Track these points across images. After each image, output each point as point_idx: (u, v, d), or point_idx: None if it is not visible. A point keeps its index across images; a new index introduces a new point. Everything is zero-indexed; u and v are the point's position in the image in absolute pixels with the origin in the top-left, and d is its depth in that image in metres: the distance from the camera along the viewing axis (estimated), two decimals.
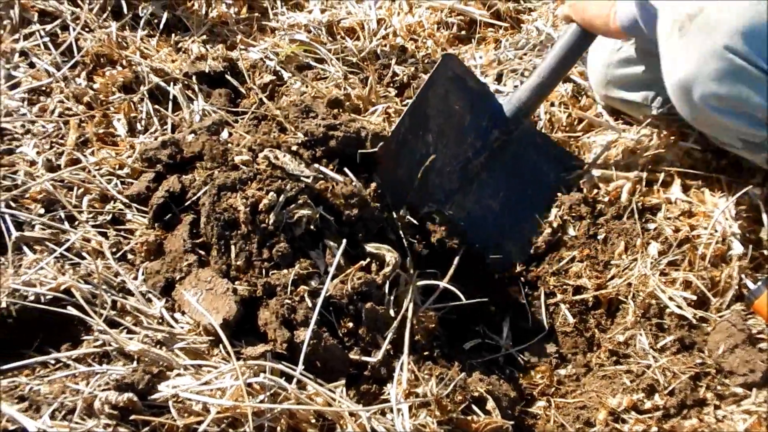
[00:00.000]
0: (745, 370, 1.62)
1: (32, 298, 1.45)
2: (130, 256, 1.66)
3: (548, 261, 1.87)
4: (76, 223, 1.68)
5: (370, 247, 1.63)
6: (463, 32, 2.49)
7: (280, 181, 1.63)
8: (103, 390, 1.29)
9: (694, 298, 1.73)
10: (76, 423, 1.25)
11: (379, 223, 1.69)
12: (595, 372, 1.68)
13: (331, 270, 1.53)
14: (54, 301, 1.46)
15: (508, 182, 1.94)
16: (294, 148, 1.73)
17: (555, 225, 1.89)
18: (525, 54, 2.32)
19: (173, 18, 2.35)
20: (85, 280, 1.53)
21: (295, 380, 1.36)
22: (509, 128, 1.91)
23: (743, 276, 1.76)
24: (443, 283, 1.63)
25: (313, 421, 1.35)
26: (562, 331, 1.79)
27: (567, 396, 1.64)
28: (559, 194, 1.93)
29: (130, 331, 1.47)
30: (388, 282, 1.58)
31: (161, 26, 2.30)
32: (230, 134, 1.85)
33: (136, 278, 1.60)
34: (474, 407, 1.45)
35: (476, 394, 1.47)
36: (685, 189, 1.92)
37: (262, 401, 1.32)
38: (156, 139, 1.89)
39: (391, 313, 1.54)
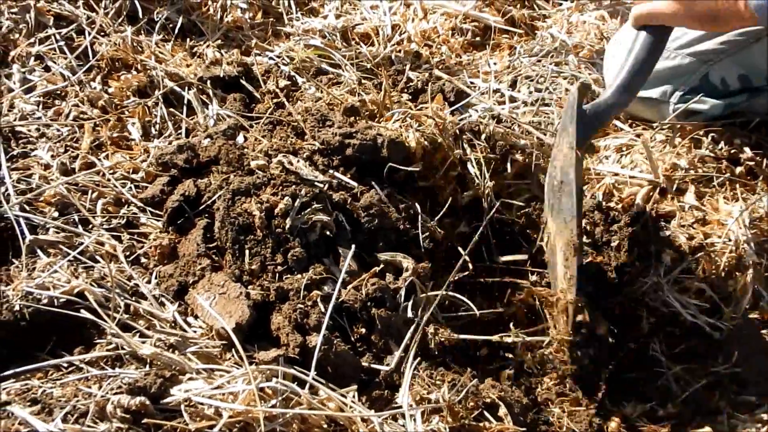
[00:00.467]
0: (759, 379, 1.61)
1: (45, 301, 1.46)
2: (143, 260, 1.66)
3: None
4: (90, 226, 1.68)
5: (385, 256, 1.63)
6: (478, 38, 2.48)
7: (295, 186, 1.63)
8: (116, 393, 1.29)
9: (708, 306, 1.73)
10: (89, 426, 1.25)
11: (400, 234, 1.69)
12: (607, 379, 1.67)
13: (341, 275, 1.53)
14: (67, 304, 1.46)
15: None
16: (311, 156, 1.73)
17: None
18: (539, 60, 2.32)
19: (188, 23, 2.36)
20: (98, 283, 1.54)
21: (308, 385, 1.36)
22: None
23: (757, 284, 1.75)
24: (464, 298, 1.63)
25: (325, 426, 1.34)
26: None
27: (579, 403, 1.63)
28: None
29: (142, 335, 1.47)
30: (404, 289, 1.57)
31: (176, 31, 2.30)
32: (245, 139, 1.85)
33: (149, 282, 1.60)
34: (486, 413, 1.45)
35: (488, 400, 1.47)
36: (699, 196, 1.92)
37: (274, 406, 1.32)
38: (170, 143, 1.90)
39: (408, 316, 1.54)
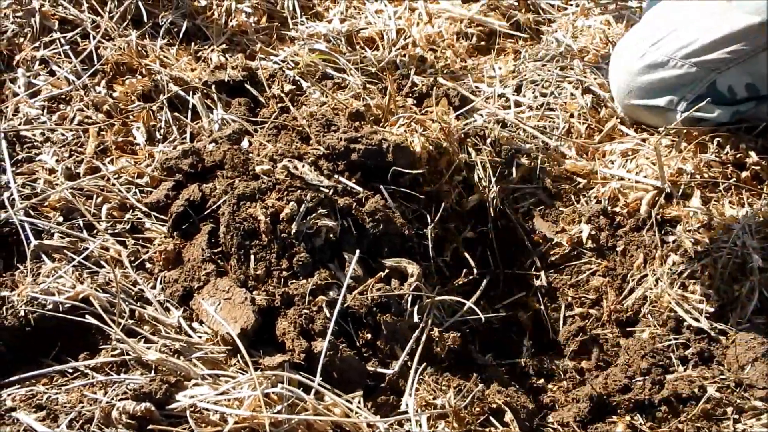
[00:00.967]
0: (765, 384, 1.60)
1: (50, 306, 1.45)
2: (148, 265, 1.66)
3: (567, 272, 1.87)
4: (95, 231, 1.68)
5: (390, 262, 1.62)
6: (483, 43, 2.48)
7: (300, 191, 1.63)
8: (121, 399, 1.29)
9: (712, 310, 1.73)
10: None
11: (405, 239, 1.69)
12: (613, 385, 1.67)
13: (346, 280, 1.53)
14: (72, 309, 1.46)
15: None
16: (316, 161, 1.73)
17: (574, 236, 1.88)
18: (544, 65, 2.31)
19: (193, 27, 2.36)
20: (103, 288, 1.53)
21: (313, 391, 1.35)
22: None
23: (763, 289, 1.75)
24: (469, 303, 1.63)
25: (331, 431, 1.34)
26: (581, 342, 1.78)
27: (585, 408, 1.63)
28: (578, 206, 1.92)
29: (147, 341, 1.47)
30: (410, 295, 1.57)
31: (181, 35, 2.30)
32: (250, 143, 1.85)
33: (154, 287, 1.60)
34: (492, 419, 1.44)
35: (494, 405, 1.46)
36: (705, 201, 1.91)
37: (279, 412, 1.32)
38: (175, 148, 1.89)
39: (413, 321, 1.54)
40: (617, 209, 1.91)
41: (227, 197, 1.63)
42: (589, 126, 2.13)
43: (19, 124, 1.90)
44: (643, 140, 2.07)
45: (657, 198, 1.90)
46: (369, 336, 1.50)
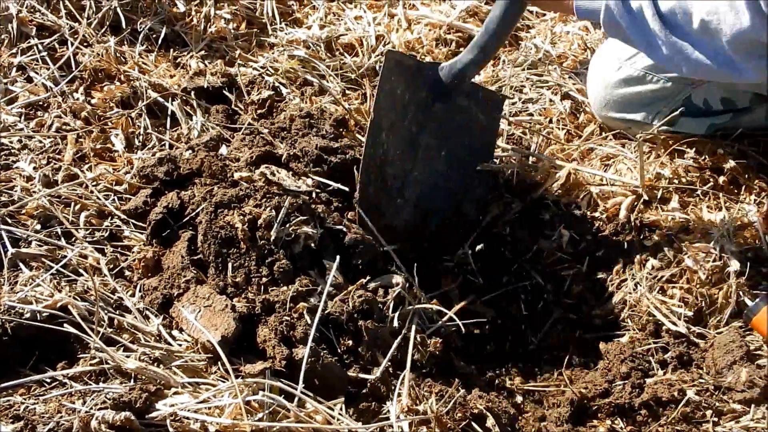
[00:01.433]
0: (743, 387, 1.61)
1: (28, 315, 1.44)
2: (127, 273, 1.65)
3: (548, 277, 1.87)
4: (73, 239, 1.67)
5: (374, 283, 1.62)
6: (462, 49, 2.47)
7: (278, 197, 1.62)
8: (100, 409, 1.28)
9: (691, 314, 1.73)
10: None
11: (371, 253, 1.69)
12: (593, 389, 1.67)
13: (326, 287, 1.52)
14: (50, 318, 1.45)
15: (447, 140, 1.92)
16: (287, 162, 1.73)
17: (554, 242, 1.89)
18: (523, 71, 2.32)
19: (172, 33, 2.35)
20: (81, 297, 1.52)
21: (295, 398, 1.35)
22: (448, 91, 1.89)
23: (741, 293, 1.76)
24: (450, 313, 1.63)
25: None
26: (561, 346, 1.79)
27: (566, 413, 1.63)
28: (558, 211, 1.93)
29: (127, 349, 1.46)
30: (392, 301, 1.57)
31: (160, 41, 2.30)
32: (227, 149, 1.85)
33: (133, 295, 1.59)
34: (474, 424, 1.44)
35: (476, 411, 1.46)
36: (683, 206, 1.92)
37: (261, 419, 1.31)
38: (154, 155, 1.88)
39: (395, 328, 1.54)
40: (596, 214, 1.92)
41: (205, 205, 1.63)
42: (569, 131, 2.13)
43: None
44: (623, 145, 2.08)
45: (636, 203, 1.91)
46: (350, 342, 1.49)
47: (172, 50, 2.29)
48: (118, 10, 2.30)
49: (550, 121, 2.15)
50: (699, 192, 1.95)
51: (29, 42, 2.16)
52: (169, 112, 2.04)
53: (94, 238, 1.69)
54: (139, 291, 1.60)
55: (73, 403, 1.31)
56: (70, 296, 1.49)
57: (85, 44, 2.20)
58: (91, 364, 1.41)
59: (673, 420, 1.57)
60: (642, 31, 1.68)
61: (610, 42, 2.14)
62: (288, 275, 1.54)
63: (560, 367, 1.75)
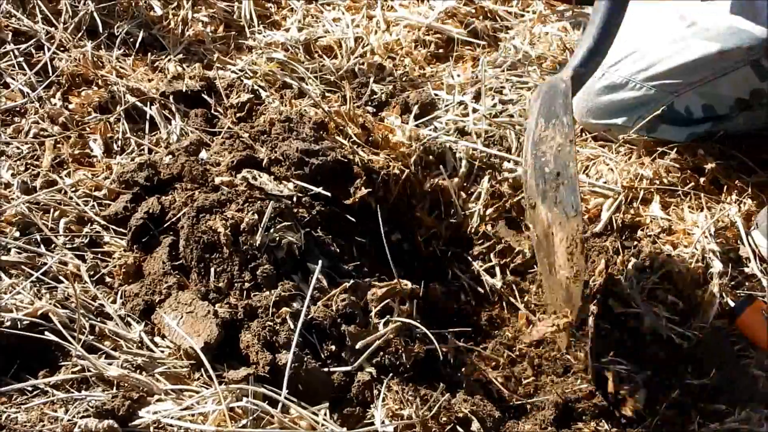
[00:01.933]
0: (727, 388, 1.62)
1: (8, 323, 1.42)
2: (108, 279, 1.63)
3: (530, 279, 1.87)
4: (53, 246, 1.65)
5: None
6: (441, 50, 2.48)
7: (260, 202, 1.62)
8: (83, 417, 1.27)
9: (677, 318, 1.74)
10: None
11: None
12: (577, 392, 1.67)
13: (309, 290, 1.51)
14: (31, 326, 1.43)
15: None
16: (268, 166, 1.73)
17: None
18: (503, 72, 2.32)
19: (149, 37, 2.33)
20: (62, 304, 1.51)
21: (280, 404, 1.34)
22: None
23: (724, 294, 1.76)
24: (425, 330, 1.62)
25: None
26: (544, 348, 1.79)
27: (551, 416, 1.63)
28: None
29: (109, 356, 1.44)
30: (377, 305, 1.57)
31: (137, 45, 2.28)
32: (207, 153, 1.84)
33: (114, 302, 1.58)
34: (459, 428, 1.44)
35: (461, 415, 1.46)
36: (665, 207, 1.93)
37: (245, 426, 1.31)
38: (133, 159, 1.87)
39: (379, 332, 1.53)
40: None
41: (186, 210, 1.62)
42: None
43: None
44: (602, 146, 2.08)
45: (618, 204, 1.91)
46: (334, 347, 1.49)
47: (149, 54, 2.28)
48: (95, 14, 2.28)
49: None
50: (680, 192, 1.96)
51: (5, 48, 2.13)
52: (148, 117, 2.03)
53: (74, 245, 1.68)
54: (121, 297, 1.59)
55: (56, 411, 1.30)
56: (50, 304, 1.48)
57: (61, 49, 2.18)
58: (72, 372, 1.39)
59: (658, 422, 1.57)
60: None
61: None
62: (271, 280, 1.53)
63: (545, 369, 1.75)
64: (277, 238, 1.57)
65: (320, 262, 1.56)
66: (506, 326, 1.81)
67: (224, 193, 1.64)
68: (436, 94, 2.23)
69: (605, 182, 1.96)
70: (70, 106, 2.03)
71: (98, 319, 1.52)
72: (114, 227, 1.73)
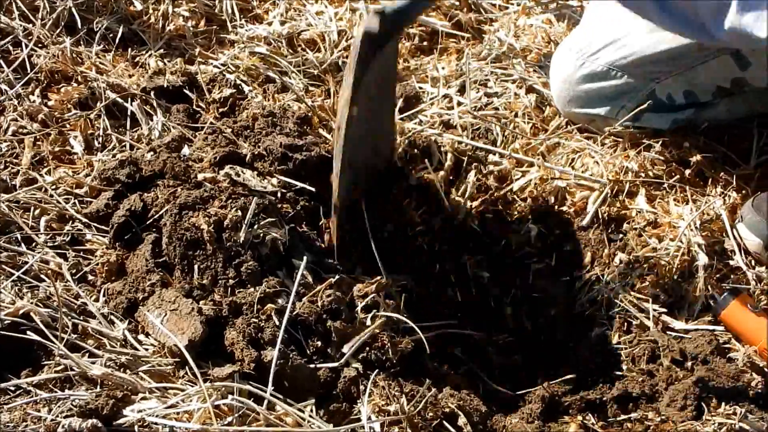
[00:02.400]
0: (713, 381, 1.62)
1: None
2: (90, 278, 1.62)
3: (516, 274, 1.87)
4: (34, 244, 1.64)
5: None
6: (425, 43, 2.47)
7: (244, 198, 1.60)
8: (66, 416, 1.27)
9: (661, 308, 1.74)
10: None
11: None
12: (564, 385, 1.67)
13: (294, 286, 1.50)
14: (12, 326, 1.42)
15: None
16: (252, 161, 1.71)
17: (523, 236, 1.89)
18: (487, 64, 2.31)
19: (129, 32, 2.31)
20: (44, 303, 1.50)
21: (265, 401, 1.33)
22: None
23: (709, 287, 1.76)
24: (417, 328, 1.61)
25: None
26: (531, 341, 1.79)
27: (537, 409, 1.63)
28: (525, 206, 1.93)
29: (92, 355, 1.43)
30: (362, 301, 1.56)
31: (117, 41, 2.26)
32: (189, 149, 1.82)
33: (97, 300, 1.57)
34: (446, 423, 1.43)
35: (447, 410, 1.45)
36: (650, 199, 1.93)
37: (230, 423, 1.30)
38: (114, 156, 1.85)
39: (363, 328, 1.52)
40: (564, 208, 1.91)
41: (169, 207, 1.60)
42: (534, 125, 2.13)
43: None
44: (588, 138, 2.08)
45: (603, 197, 1.91)
46: (320, 343, 1.48)
47: (130, 49, 2.26)
48: (73, 9, 2.25)
49: (516, 115, 2.14)
50: (666, 185, 1.95)
51: None
52: (129, 113, 2.01)
53: (56, 243, 1.66)
54: (103, 296, 1.58)
55: (39, 411, 1.29)
56: (32, 303, 1.47)
57: (39, 45, 2.16)
58: (56, 371, 1.38)
59: (645, 415, 1.57)
60: None
61: (572, 37, 2.14)
62: (256, 276, 1.52)
63: (531, 362, 1.75)
64: (261, 234, 1.56)
65: (305, 257, 1.55)
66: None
67: (207, 190, 1.63)
68: (420, 87, 2.22)
69: (591, 175, 1.96)
70: (50, 103, 2.01)
71: (81, 318, 1.51)
72: (96, 225, 1.71)
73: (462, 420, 1.45)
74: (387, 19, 1.57)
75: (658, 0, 1.72)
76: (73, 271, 1.61)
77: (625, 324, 1.74)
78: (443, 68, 2.30)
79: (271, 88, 2.15)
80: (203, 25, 2.41)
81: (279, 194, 1.67)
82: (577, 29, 2.19)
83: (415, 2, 1.69)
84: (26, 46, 2.13)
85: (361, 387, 1.44)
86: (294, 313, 1.48)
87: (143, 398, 1.35)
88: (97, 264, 1.63)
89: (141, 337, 1.50)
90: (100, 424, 1.25)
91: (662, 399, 1.59)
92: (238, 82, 2.16)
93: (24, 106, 1.97)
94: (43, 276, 1.57)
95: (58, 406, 1.30)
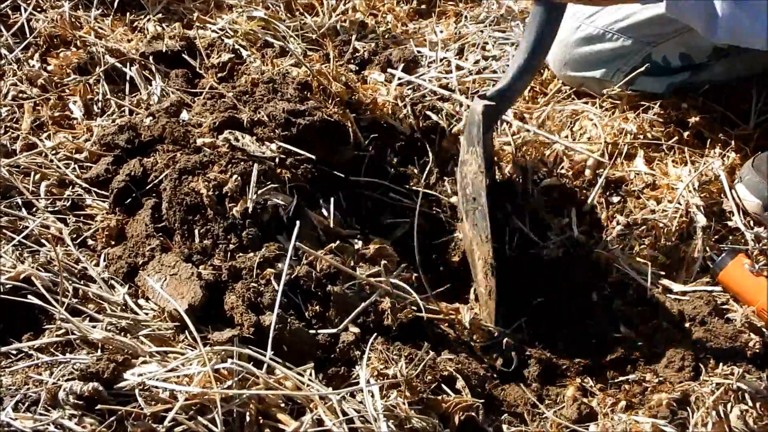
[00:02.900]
0: (711, 341, 1.63)
1: None
2: (90, 242, 1.63)
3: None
4: (34, 209, 1.64)
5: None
6: (423, 6, 2.46)
7: (243, 163, 1.61)
8: (67, 380, 1.27)
9: (663, 272, 1.74)
10: (41, 414, 1.23)
11: None
12: (564, 349, 1.68)
13: (290, 249, 1.50)
14: (13, 290, 1.43)
15: None
16: (251, 126, 1.71)
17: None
18: (486, 27, 2.30)
19: None
20: (45, 268, 1.50)
21: (265, 365, 1.34)
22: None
23: (707, 248, 1.77)
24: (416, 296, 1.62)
25: (283, 405, 1.33)
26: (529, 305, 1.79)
27: (535, 372, 1.64)
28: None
29: (93, 319, 1.44)
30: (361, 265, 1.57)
31: (115, 5, 2.25)
32: (188, 114, 1.82)
33: (97, 264, 1.57)
34: (444, 386, 1.44)
35: (446, 373, 1.46)
36: (649, 161, 1.93)
37: (230, 387, 1.30)
38: (114, 121, 1.86)
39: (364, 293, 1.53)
40: (563, 171, 1.91)
41: (168, 171, 1.61)
42: (533, 89, 2.12)
43: None
44: (586, 102, 2.08)
45: (601, 159, 1.90)
46: (318, 308, 1.48)
47: (128, 14, 2.25)
48: None
49: None
50: (664, 147, 1.95)
51: None
52: (128, 78, 2.01)
53: (56, 208, 1.67)
54: (104, 260, 1.58)
55: (40, 374, 1.29)
56: (33, 267, 1.47)
57: (38, 10, 2.15)
58: (57, 335, 1.39)
59: (642, 377, 1.58)
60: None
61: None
62: (256, 241, 1.53)
63: (529, 327, 1.75)
64: (263, 201, 1.56)
65: (298, 222, 1.55)
66: None
67: (206, 155, 1.63)
68: (418, 51, 2.22)
69: (589, 138, 1.96)
70: (49, 68, 2.01)
71: (81, 282, 1.51)
72: (96, 190, 1.72)
73: (460, 383, 1.46)
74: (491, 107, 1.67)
75: None
76: (74, 235, 1.62)
77: (624, 286, 1.75)
78: (442, 32, 2.30)
79: (270, 53, 2.14)
80: None
81: (278, 159, 1.67)
82: None
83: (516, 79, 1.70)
84: (25, 10, 2.13)
85: (360, 351, 1.45)
86: (293, 276, 1.49)
87: (143, 362, 1.35)
88: (98, 229, 1.63)
89: (141, 301, 1.51)
90: (100, 388, 1.26)
91: (660, 360, 1.60)
92: (237, 46, 2.15)
93: (23, 71, 1.97)
94: (43, 240, 1.57)
95: (59, 370, 1.30)
